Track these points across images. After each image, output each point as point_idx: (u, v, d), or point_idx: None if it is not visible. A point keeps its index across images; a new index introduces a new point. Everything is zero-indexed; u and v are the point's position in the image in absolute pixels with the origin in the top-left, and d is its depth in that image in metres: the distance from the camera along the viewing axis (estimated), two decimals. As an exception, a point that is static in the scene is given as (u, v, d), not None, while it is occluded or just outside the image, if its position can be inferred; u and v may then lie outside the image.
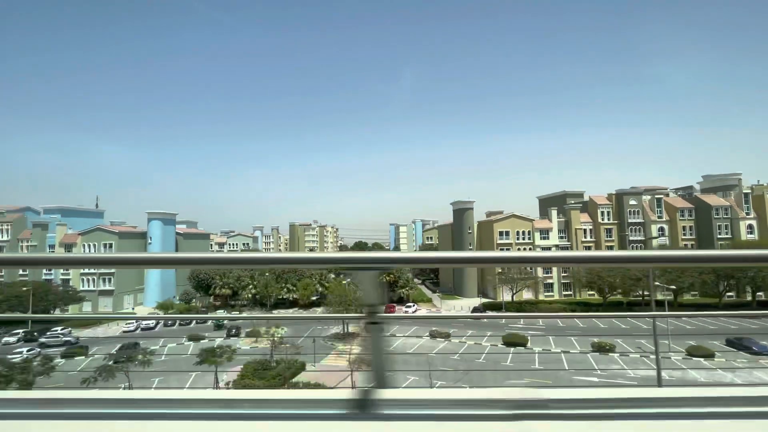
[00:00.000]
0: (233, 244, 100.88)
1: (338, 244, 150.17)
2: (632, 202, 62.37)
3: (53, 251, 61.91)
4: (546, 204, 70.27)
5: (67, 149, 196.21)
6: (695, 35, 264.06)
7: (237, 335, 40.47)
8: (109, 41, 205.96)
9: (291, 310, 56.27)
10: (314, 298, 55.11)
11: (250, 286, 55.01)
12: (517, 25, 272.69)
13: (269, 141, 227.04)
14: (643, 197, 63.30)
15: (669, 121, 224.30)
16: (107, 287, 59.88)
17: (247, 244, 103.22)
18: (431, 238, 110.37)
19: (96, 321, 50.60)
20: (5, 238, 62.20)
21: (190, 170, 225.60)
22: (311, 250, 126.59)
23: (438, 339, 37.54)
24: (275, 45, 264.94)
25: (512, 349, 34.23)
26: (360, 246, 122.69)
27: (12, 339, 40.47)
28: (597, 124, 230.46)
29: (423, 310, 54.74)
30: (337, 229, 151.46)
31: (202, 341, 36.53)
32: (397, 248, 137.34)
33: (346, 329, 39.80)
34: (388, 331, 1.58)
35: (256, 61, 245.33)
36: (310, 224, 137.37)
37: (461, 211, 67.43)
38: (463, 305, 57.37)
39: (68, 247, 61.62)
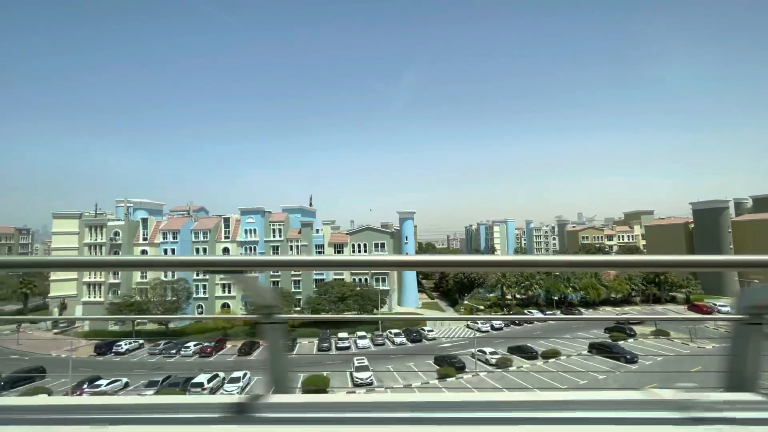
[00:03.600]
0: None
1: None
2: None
3: (321, 251, 63.49)
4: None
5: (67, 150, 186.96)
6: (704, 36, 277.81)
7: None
8: (112, 42, 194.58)
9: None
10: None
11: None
12: (519, 27, 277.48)
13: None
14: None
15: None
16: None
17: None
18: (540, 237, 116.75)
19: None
20: (279, 237, 62.92)
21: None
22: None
23: None
24: (276, 45, 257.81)
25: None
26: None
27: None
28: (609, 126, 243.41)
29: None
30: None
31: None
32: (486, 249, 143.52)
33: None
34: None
35: (256, 61, 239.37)
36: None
37: (710, 212, 71.74)
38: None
39: (338, 247, 63.35)
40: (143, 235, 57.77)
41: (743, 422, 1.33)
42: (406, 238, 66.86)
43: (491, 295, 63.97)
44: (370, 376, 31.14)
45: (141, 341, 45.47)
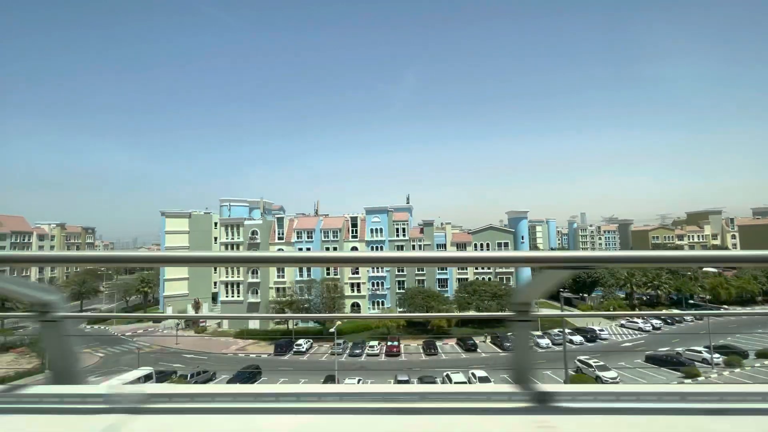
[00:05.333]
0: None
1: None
2: None
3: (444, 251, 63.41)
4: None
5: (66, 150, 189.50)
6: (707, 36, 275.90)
7: None
8: (113, 42, 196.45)
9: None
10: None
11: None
12: (519, 28, 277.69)
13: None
14: None
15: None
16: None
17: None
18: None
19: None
20: (401, 237, 62.85)
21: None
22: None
23: None
24: (276, 46, 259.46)
25: None
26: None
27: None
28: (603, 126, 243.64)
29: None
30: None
31: None
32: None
33: None
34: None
35: (256, 61, 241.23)
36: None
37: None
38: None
39: (461, 246, 63.26)
40: (278, 234, 57.75)
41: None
42: (523, 237, 66.85)
43: (621, 294, 63.90)
44: (616, 377, 31.05)
45: (310, 340, 45.48)
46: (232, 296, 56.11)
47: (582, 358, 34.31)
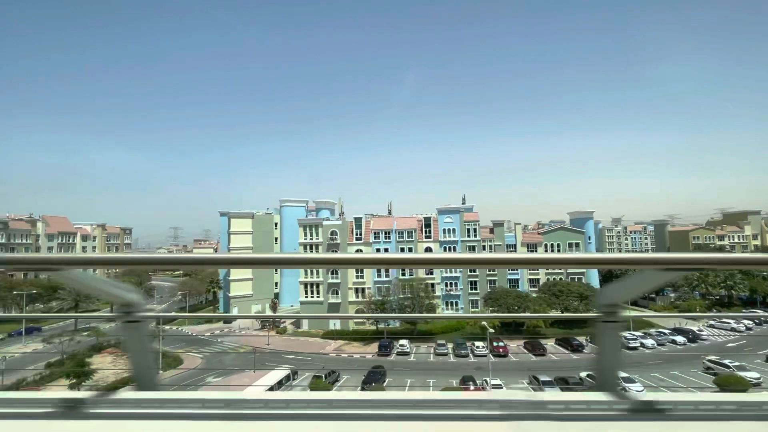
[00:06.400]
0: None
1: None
2: None
3: (513, 251, 63.40)
4: None
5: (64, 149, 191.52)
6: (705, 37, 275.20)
7: None
8: (113, 42, 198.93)
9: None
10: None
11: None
12: (520, 29, 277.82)
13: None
14: None
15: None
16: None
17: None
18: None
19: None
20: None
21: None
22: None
23: None
24: (275, 46, 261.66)
25: None
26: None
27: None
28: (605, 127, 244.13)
29: None
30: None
31: None
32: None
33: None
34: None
35: (257, 62, 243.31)
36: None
37: None
38: None
39: (531, 246, 63.23)
40: (356, 234, 57.76)
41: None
42: (590, 237, 66.86)
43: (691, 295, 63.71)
44: (759, 378, 30.93)
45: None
46: (312, 296, 56.07)
47: (712, 357, 34.21)
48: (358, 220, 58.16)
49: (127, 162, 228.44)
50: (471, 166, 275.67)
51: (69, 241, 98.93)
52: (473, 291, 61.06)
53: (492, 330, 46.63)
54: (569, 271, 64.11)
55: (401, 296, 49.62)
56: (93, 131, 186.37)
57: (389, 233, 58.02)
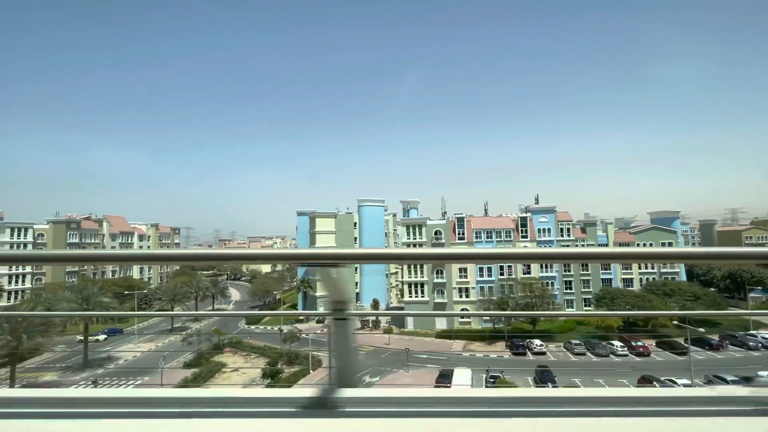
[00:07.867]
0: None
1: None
2: None
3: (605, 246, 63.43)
4: None
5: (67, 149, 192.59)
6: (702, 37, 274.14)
7: None
8: (113, 42, 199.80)
9: None
10: None
11: None
12: (519, 29, 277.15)
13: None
14: None
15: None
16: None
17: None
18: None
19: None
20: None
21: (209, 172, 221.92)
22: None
23: None
24: (276, 46, 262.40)
25: None
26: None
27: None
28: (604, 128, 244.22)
29: None
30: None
31: None
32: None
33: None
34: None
35: (257, 62, 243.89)
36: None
37: None
38: None
39: (623, 246, 63.23)
40: (458, 234, 57.87)
41: None
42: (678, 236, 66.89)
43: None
44: None
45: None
46: (416, 296, 56.20)
47: None
48: (460, 220, 58.23)
49: (126, 161, 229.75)
50: (472, 167, 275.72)
51: (128, 240, 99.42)
52: (568, 291, 61.17)
53: (619, 329, 47.02)
54: (662, 270, 64.18)
55: (520, 295, 49.69)
56: (93, 131, 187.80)
57: (490, 233, 58.12)
